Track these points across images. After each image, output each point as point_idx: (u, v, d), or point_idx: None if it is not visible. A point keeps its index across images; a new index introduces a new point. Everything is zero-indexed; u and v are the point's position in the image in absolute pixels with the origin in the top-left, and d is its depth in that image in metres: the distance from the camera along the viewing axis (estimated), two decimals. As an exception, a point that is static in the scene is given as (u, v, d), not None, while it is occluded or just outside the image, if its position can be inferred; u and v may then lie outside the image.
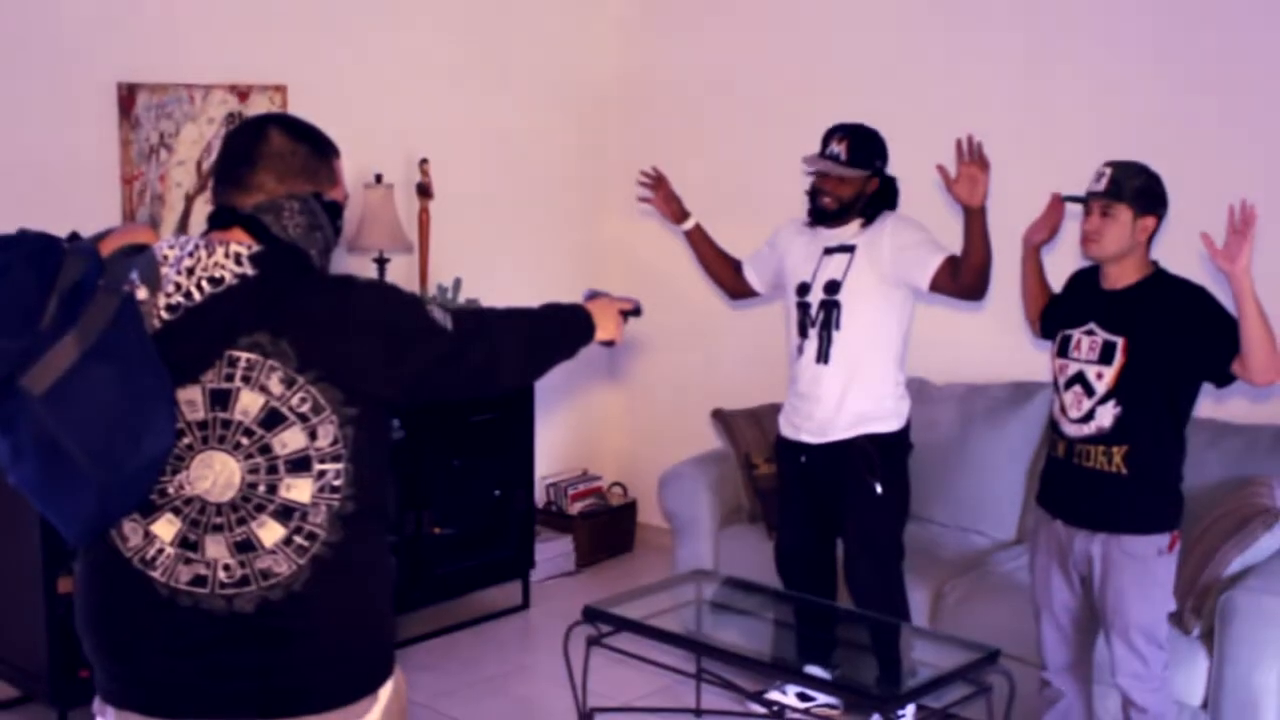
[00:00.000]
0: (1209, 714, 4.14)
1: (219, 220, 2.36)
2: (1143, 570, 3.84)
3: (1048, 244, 4.18)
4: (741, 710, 4.75)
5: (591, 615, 4.46)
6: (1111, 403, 3.81)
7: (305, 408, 2.23)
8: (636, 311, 2.90)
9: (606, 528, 6.49)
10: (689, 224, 4.83)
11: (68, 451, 2.06)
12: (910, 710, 4.32)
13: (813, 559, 4.75)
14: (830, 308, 4.47)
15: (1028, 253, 4.19)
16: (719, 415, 5.51)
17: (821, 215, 4.52)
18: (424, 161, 5.69)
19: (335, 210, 2.43)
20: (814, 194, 4.54)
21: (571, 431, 6.66)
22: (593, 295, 2.87)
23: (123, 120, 4.89)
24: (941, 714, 4.32)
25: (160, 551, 2.24)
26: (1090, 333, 3.88)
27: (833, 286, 4.47)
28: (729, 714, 4.77)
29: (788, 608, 4.74)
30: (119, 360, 2.10)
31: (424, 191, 5.69)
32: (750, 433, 5.39)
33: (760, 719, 4.69)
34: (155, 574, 2.24)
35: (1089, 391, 3.85)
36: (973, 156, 4.13)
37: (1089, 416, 3.85)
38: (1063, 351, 3.96)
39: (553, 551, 6.20)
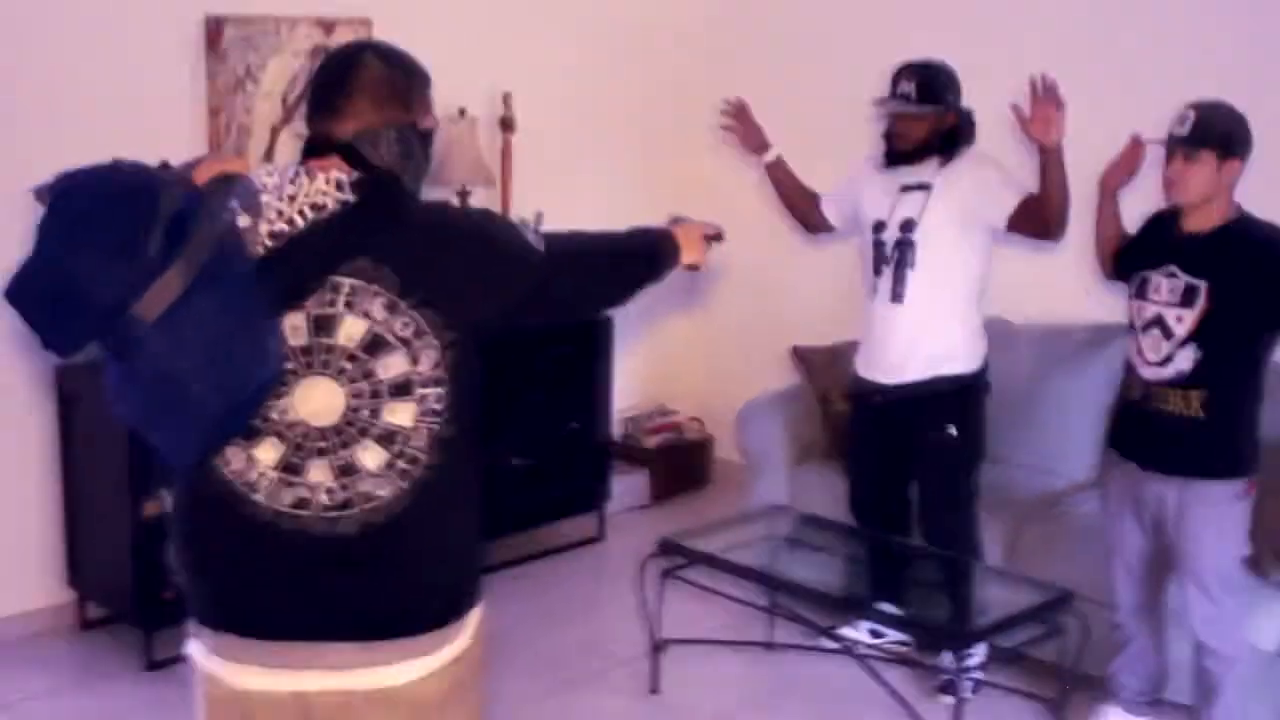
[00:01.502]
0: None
1: (315, 148, 2.37)
2: (1217, 515, 3.83)
3: (1125, 186, 4.12)
4: (813, 645, 4.78)
5: (667, 548, 4.51)
6: (1191, 347, 3.77)
7: (408, 332, 2.25)
8: (719, 236, 2.91)
9: (682, 462, 6.53)
10: (770, 156, 4.81)
11: (178, 379, 2.08)
12: (981, 649, 4.33)
13: (885, 500, 4.76)
14: (905, 246, 4.44)
15: (1105, 195, 4.13)
16: (797, 352, 5.51)
17: (897, 156, 4.49)
18: (507, 95, 5.70)
19: (428, 139, 2.45)
20: (888, 136, 4.51)
21: (649, 366, 6.69)
22: (676, 220, 2.88)
23: (209, 53, 4.94)
24: (1013, 654, 4.34)
25: (262, 475, 2.27)
26: (1171, 275, 3.84)
27: (908, 225, 4.44)
28: (801, 648, 4.80)
29: (861, 545, 4.76)
30: (224, 289, 2.11)
31: (507, 125, 5.70)
32: (828, 370, 5.38)
33: (831, 654, 4.71)
34: (258, 496, 2.27)
35: (1167, 335, 3.81)
36: (1047, 95, 4.05)
37: (1167, 360, 3.82)
38: (1140, 293, 3.91)
39: (628, 485, 6.25)
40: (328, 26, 5.21)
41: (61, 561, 4.86)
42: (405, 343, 2.25)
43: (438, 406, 2.29)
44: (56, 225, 2.09)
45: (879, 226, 4.52)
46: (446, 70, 5.42)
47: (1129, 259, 4.05)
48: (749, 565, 4.51)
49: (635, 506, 6.27)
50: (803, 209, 4.89)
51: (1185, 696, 4.20)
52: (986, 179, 4.38)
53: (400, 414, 2.27)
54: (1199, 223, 3.83)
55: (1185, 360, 3.79)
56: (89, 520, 4.75)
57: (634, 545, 5.48)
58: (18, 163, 4.50)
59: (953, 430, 4.47)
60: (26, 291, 2.09)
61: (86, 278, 2.05)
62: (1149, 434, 3.91)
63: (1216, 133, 3.72)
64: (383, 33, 5.23)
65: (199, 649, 2.42)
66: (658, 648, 4.52)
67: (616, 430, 6.42)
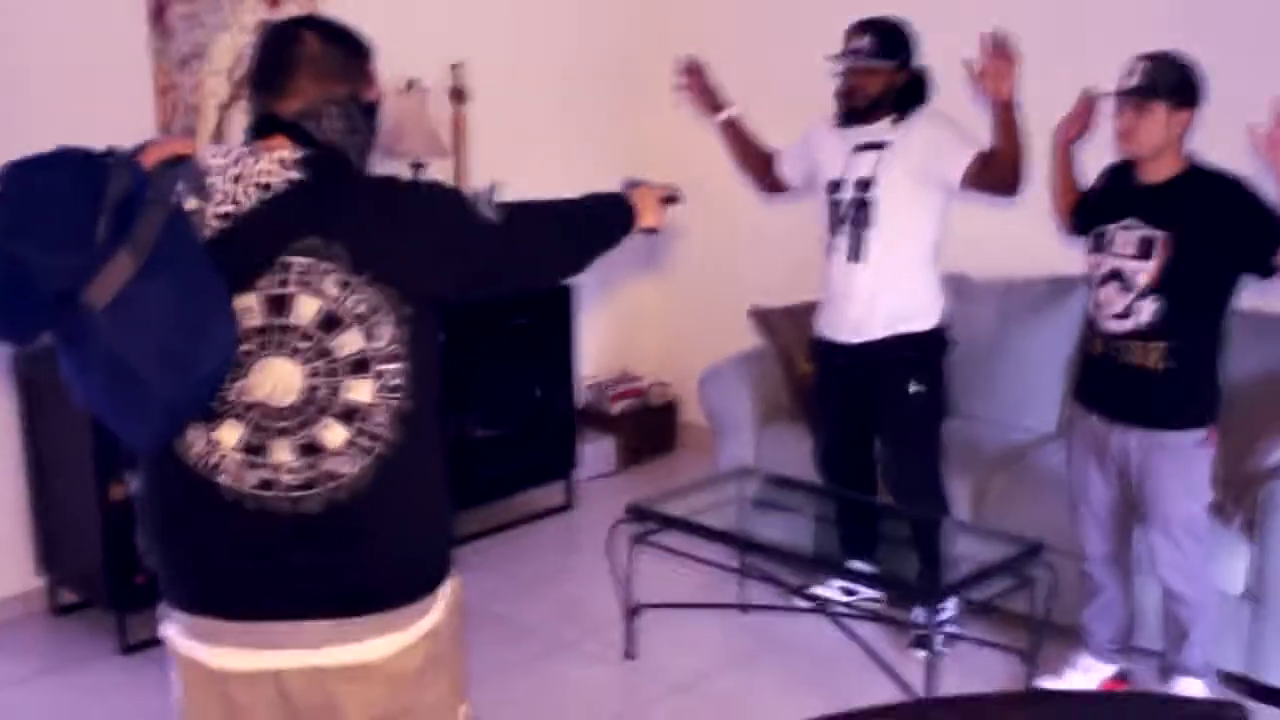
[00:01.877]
0: (1250, 602, 4.16)
1: (260, 129, 2.36)
2: (1181, 463, 3.86)
3: (1080, 140, 4.13)
4: (786, 605, 4.81)
5: (636, 513, 4.52)
6: (1151, 298, 3.79)
7: (362, 309, 2.24)
8: (676, 198, 2.91)
9: (648, 427, 6.54)
10: (724, 115, 4.80)
11: (131, 365, 2.07)
12: (952, 603, 4.36)
13: (852, 458, 4.78)
14: (861, 205, 4.45)
15: (1060, 150, 4.14)
16: (757, 313, 5.51)
17: (851, 114, 4.47)
18: (458, 65, 5.66)
19: (371, 111, 2.43)
20: (843, 93, 4.49)
21: (611, 332, 6.69)
22: (632, 184, 2.88)
23: (155, 31, 4.89)
24: (985, 607, 4.37)
25: (224, 457, 2.27)
26: (1128, 228, 3.85)
27: (864, 184, 4.44)
28: (774, 609, 4.83)
29: (830, 504, 4.77)
30: (174, 272, 2.10)
31: (458, 96, 5.67)
32: (790, 331, 5.39)
33: (805, 613, 4.74)
34: (221, 479, 2.27)
35: (1127, 287, 3.83)
36: (998, 49, 4.04)
37: (1128, 312, 3.83)
38: (1098, 247, 3.93)
39: (595, 452, 6.26)
40: (273, 0, 5.16)
41: (31, 548, 4.84)
42: (360, 319, 2.24)
43: (396, 381, 2.28)
44: (4, 214, 2.07)
45: (835, 186, 4.52)
46: (396, 42, 5.40)
47: (1086, 213, 4.06)
48: (719, 527, 4.52)
49: (604, 473, 6.29)
50: (758, 168, 4.89)
51: (1154, 642, 4.25)
52: (939, 136, 4.38)
53: (359, 391, 2.25)
54: (1153, 174, 3.84)
55: (1146, 312, 3.80)
56: (57, 505, 4.72)
57: (604, 512, 5.49)
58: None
59: (916, 387, 4.48)
60: None
61: (35, 266, 2.04)
62: (1112, 386, 3.94)
63: (1166, 83, 3.73)
64: (330, 5, 5.21)
65: (173, 630, 2.41)
66: (631, 613, 4.53)
67: (581, 398, 6.43)
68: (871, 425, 4.69)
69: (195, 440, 2.28)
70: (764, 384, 5.43)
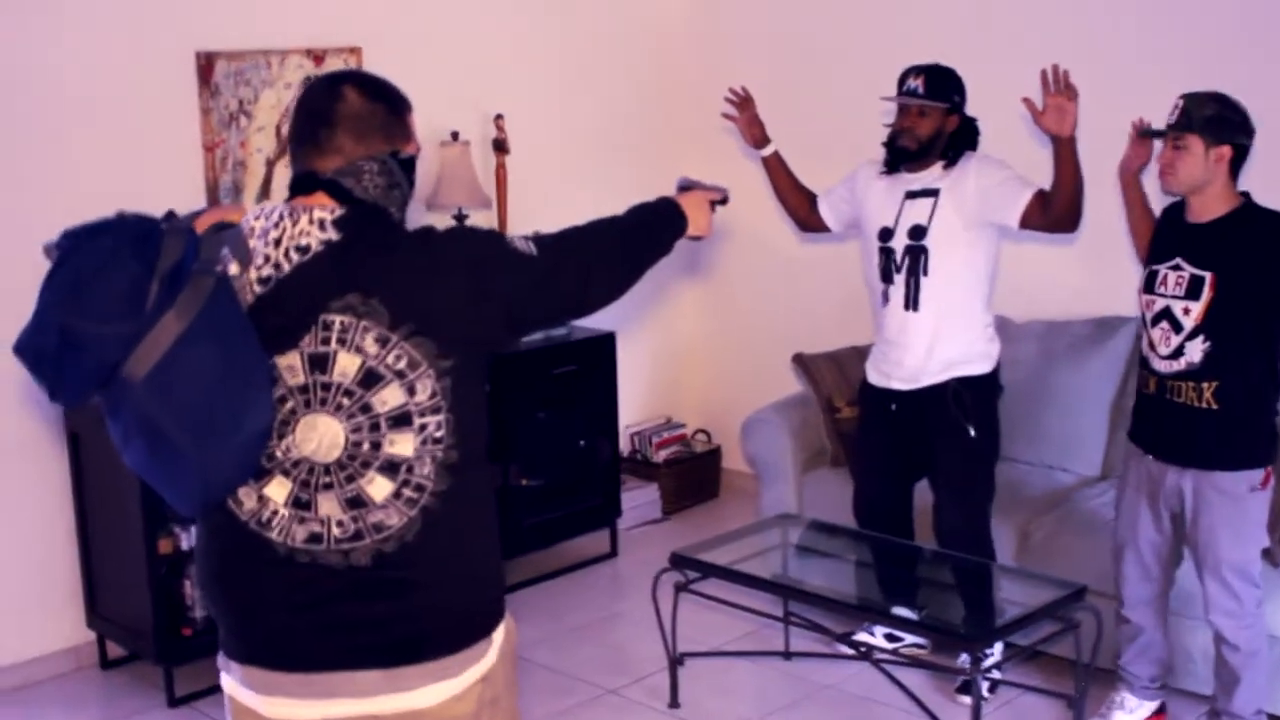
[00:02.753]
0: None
1: (300, 186, 2.39)
2: (1234, 507, 3.83)
3: (1144, 170, 4.13)
4: (830, 652, 4.80)
5: (678, 561, 4.52)
6: (1200, 338, 3.79)
7: (401, 364, 2.27)
8: (724, 200, 2.89)
9: (691, 474, 6.54)
10: (768, 150, 4.81)
11: (168, 434, 2.11)
12: (997, 648, 4.34)
13: (892, 507, 4.77)
14: (916, 253, 4.45)
15: (1127, 183, 4.15)
16: (800, 359, 5.52)
17: (902, 156, 4.48)
18: (499, 117, 5.73)
19: (410, 165, 2.46)
20: (893, 138, 4.51)
21: (654, 380, 6.71)
22: (686, 185, 2.88)
23: (202, 89, 4.97)
24: (1029, 651, 4.35)
25: (275, 513, 2.31)
26: (1176, 268, 3.85)
27: (918, 232, 4.44)
28: (817, 655, 4.82)
29: (873, 550, 4.76)
30: (216, 339, 2.14)
31: (500, 147, 5.73)
32: (831, 376, 5.40)
33: (848, 660, 4.73)
34: (272, 534, 2.31)
35: (1176, 327, 3.83)
36: (1059, 86, 4.06)
37: (1178, 352, 3.83)
38: (1149, 287, 3.93)
39: (639, 499, 6.27)
40: (318, 57, 5.24)
41: (81, 602, 4.88)
42: (400, 374, 2.27)
43: (439, 434, 2.30)
44: (61, 283, 2.14)
45: (886, 234, 4.52)
46: (438, 95, 5.56)
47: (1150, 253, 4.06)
48: (761, 575, 4.52)
49: (647, 521, 6.29)
50: (798, 206, 4.89)
51: (1197, 683, 4.23)
52: (994, 179, 4.39)
53: (401, 444, 2.29)
54: (1201, 212, 3.85)
55: (1195, 352, 3.80)
56: (106, 560, 4.77)
57: (648, 560, 5.50)
58: (15, 205, 4.56)
59: (972, 430, 4.48)
60: (32, 346, 2.15)
61: (89, 336, 2.10)
62: (1164, 426, 3.93)
63: (1201, 118, 3.74)
64: (373, 61, 5.31)
65: (229, 682, 2.45)
66: (675, 661, 4.53)
67: (624, 446, 6.44)
68: (916, 472, 4.69)
69: (246, 498, 2.32)
70: (806, 430, 5.43)
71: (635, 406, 6.55)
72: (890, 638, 4.71)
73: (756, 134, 4.79)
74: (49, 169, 4.64)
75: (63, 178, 4.63)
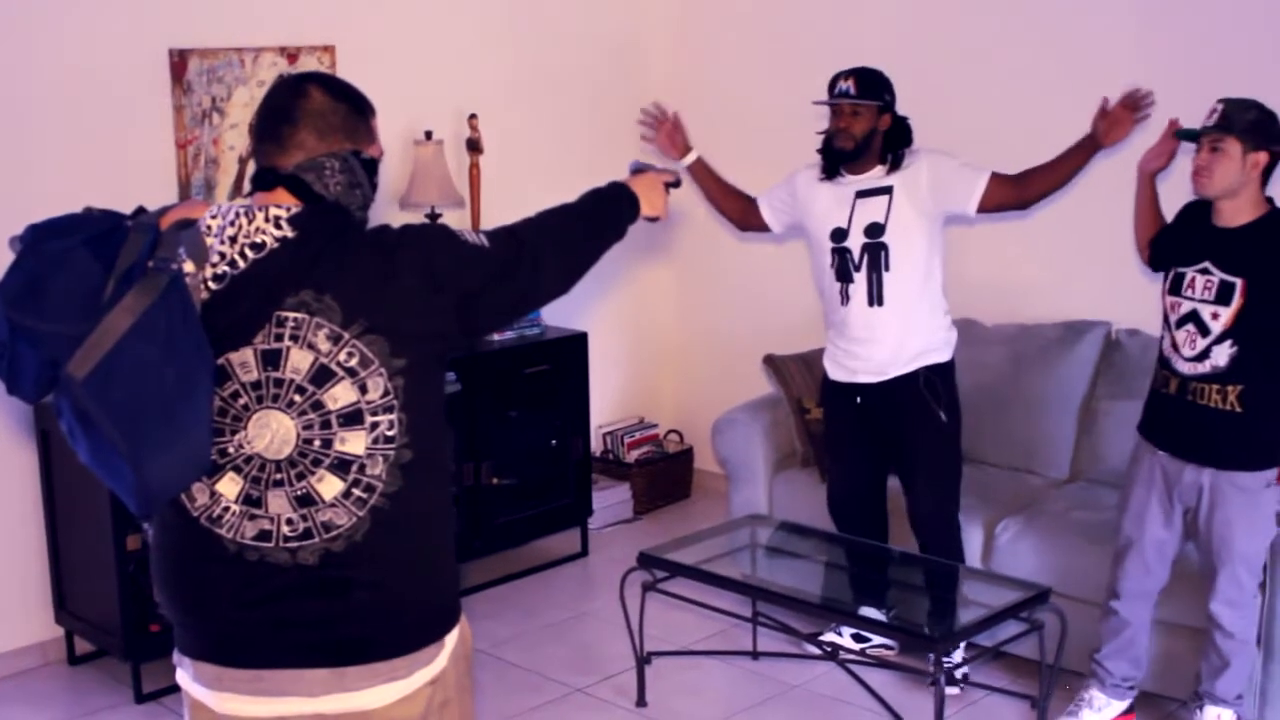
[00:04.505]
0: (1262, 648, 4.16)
1: (261, 182, 2.40)
2: (1251, 503, 3.91)
3: (1163, 172, 4.18)
4: (798, 652, 4.82)
5: (646, 561, 4.54)
6: (1228, 343, 3.84)
7: (353, 362, 2.28)
8: (676, 183, 2.91)
9: (663, 475, 6.56)
10: (690, 158, 4.81)
11: (108, 434, 2.11)
12: (961, 649, 4.37)
13: (866, 501, 4.80)
14: (876, 250, 4.49)
15: (1143, 180, 4.20)
16: (770, 361, 5.54)
17: (840, 157, 4.53)
18: (473, 117, 5.73)
19: (373, 167, 2.46)
20: (829, 140, 4.55)
21: (627, 380, 6.72)
22: (639, 168, 2.89)
23: (175, 86, 4.96)
24: (994, 652, 4.38)
25: (226, 509, 2.31)
26: (1205, 272, 3.89)
27: (875, 229, 4.48)
28: (785, 655, 4.84)
29: (841, 550, 4.79)
30: (162, 340, 2.14)
31: (474, 146, 5.74)
32: (801, 377, 5.42)
33: (816, 660, 4.75)
34: (222, 531, 2.31)
35: (1203, 331, 3.87)
36: (1135, 107, 4.17)
37: (1204, 355, 3.88)
38: (1175, 289, 3.96)
39: (611, 499, 6.28)
40: (291, 55, 5.24)
41: (48, 597, 4.88)
42: (351, 372, 2.28)
43: (390, 433, 2.31)
44: (17, 280, 2.14)
45: (839, 234, 4.56)
46: (411, 94, 5.57)
47: (1164, 252, 4.09)
48: (729, 575, 4.54)
49: (618, 521, 6.31)
50: (731, 208, 4.91)
51: (1164, 687, 4.26)
52: (947, 169, 4.47)
53: (352, 443, 2.30)
54: (1231, 217, 3.88)
55: (1222, 356, 3.85)
56: (74, 556, 4.76)
57: (618, 559, 5.52)
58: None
59: (943, 415, 4.55)
60: None
61: (41, 334, 2.12)
62: (1185, 426, 3.96)
63: (1243, 122, 3.77)
64: (346, 59, 5.31)
65: (183, 677, 2.46)
66: (643, 660, 4.55)
67: (596, 445, 6.46)
68: (887, 464, 4.73)
69: (199, 494, 2.32)
70: (776, 431, 5.45)
71: (608, 406, 6.57)
72: (858, 638, 4.74)
73: (679, 146, 4.79)
74: (20, 166, 4.63)
75: (34, 175, 4.62)
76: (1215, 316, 3.85)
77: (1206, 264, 3.90)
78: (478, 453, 5.47)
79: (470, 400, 5.39)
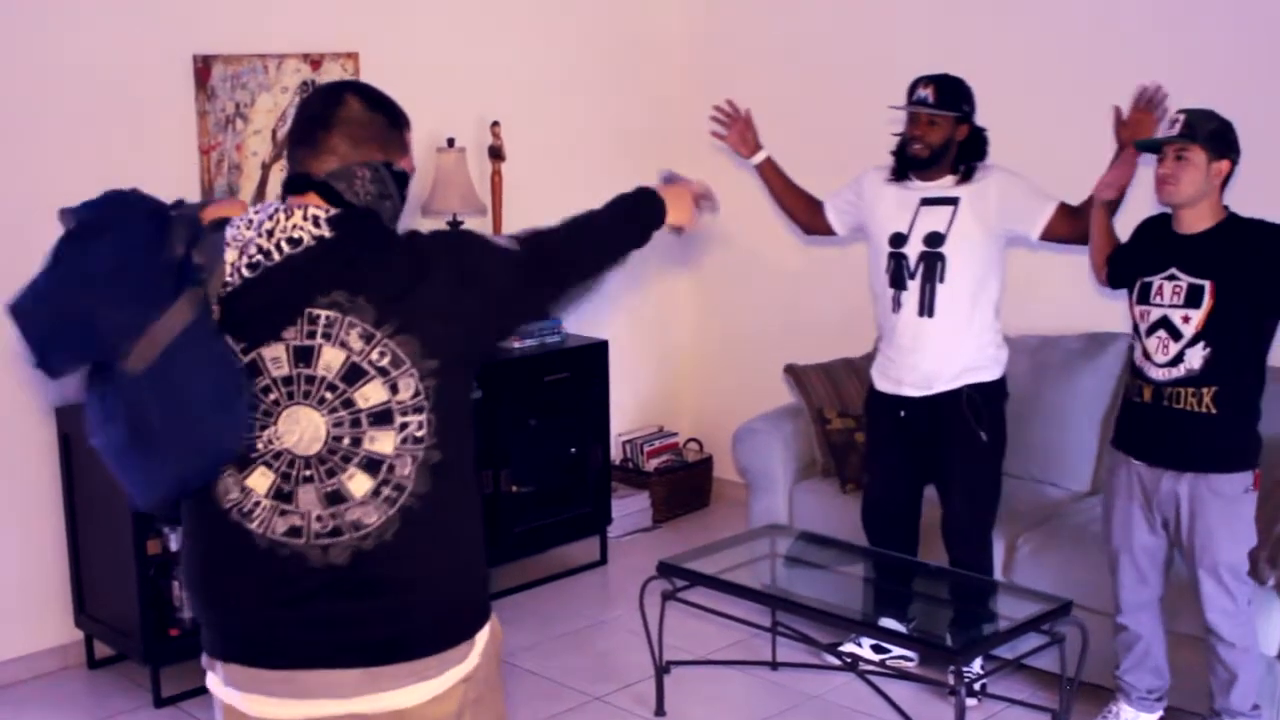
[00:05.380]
0: (1281, 659, 4.14)
1: (293, 186, 2.42)
2: (1229, 508, 3.91)
3: (1117, 206, 4.20)
4: (817, 663, 4.81)
5: (666, 570, 4.53)
6: (1200, 345, 3.86)
7: (385, 361, 2.28)
8: (710, 203, 2.90)
9: (683, 483, 6.55)
10: (760, 157, 4.82)
11: (154, 429, 2.13)
12: (979, 661, 4.36)
13: (900, 513, 4.78)
14: (933, 260, 4.47)
15: (1097, 206, 4.20)
16: (792, 370, 5.54)
17: (912, 164, 4.51)
18: (495, 124, 5.74)
19: (404, 180, 2.48)
20: (903, 145, 4.53)
21: (647, 389, 6.71)
22: (669, 178, 2.89)
23: (199, 92, 4.98)
24: (1015, 665, 4.36)
25: (257, 504, 2.31)
26: (1172, 278, 3.92)
27: (935, 239, 4.46)
28: (804, 666, 4.82)
29: (861, 561, 4.77)
30: (211, 340, 2.20)
31: (496, 154, 5.74)
32: (823, 388, 5.41)
33: (835, 671, 4.73)
34: (252, 525, 2.31)
35: (1175, 335, 3.90)
36: (1150, 104, 4.15)
37: (1178, 359, 3.89)
38: (1143, 298, 3.99)
39: (630, 508, 6.28)
40: (315, 62, 5.25)
41: (69, 602, 4.89)
42: (383, 371, 2.29)
43: (420, 433, 2.32)
44: (78, 252, 2.16)
45: (898, 239, 4.53)
46: (434, 101, 5.57)
47: (1125, 266, 4.11)
48: (749, 585, 4.53)
49: (638, 529, 6.30)
50: (798, 209, 4.89)
51: (1186, 701, 4.24)
52: (1016, 190, 4.45)
53: (381, 442, 2.30)
54: (1192, 224, 3.92)
55: (1195, 359, 3.87)
56: (94, 559, 4.77)
57: (637, 568, 5.51)
58: (10, 207, 4.57)
59: (983, 435, 4.52)
60: (34, 309, 2.17)
61: (100, 309, 2.13)
62: (1160, 433, 3.98)
63: (1205, 131, 3.83)
64: (370, 66, 5.32)
65: (214, 680, 2.46)
66: (661, 670, 4.54)
67: (616, 454, 6.45)
68: (925, 478, 4.71)
69: (230, 488, 2.33)
70: (797, 441, 5.44)
71: (628, 415, 6.56)
72: (877, 649, 4.72)
73: (750, 144, 4.80)
74: (43, 169, 4.65)
75: (58, 178, 4.62)
76: (1186, 320, 3.88)
77: (1173, 270, 3.93)
78: (497, 460, 5.47)
79: (490, 407, 5.39)
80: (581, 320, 5.89)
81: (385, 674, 2.34)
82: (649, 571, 4.61)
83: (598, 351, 5.86)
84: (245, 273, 2.30)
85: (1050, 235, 4.43)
